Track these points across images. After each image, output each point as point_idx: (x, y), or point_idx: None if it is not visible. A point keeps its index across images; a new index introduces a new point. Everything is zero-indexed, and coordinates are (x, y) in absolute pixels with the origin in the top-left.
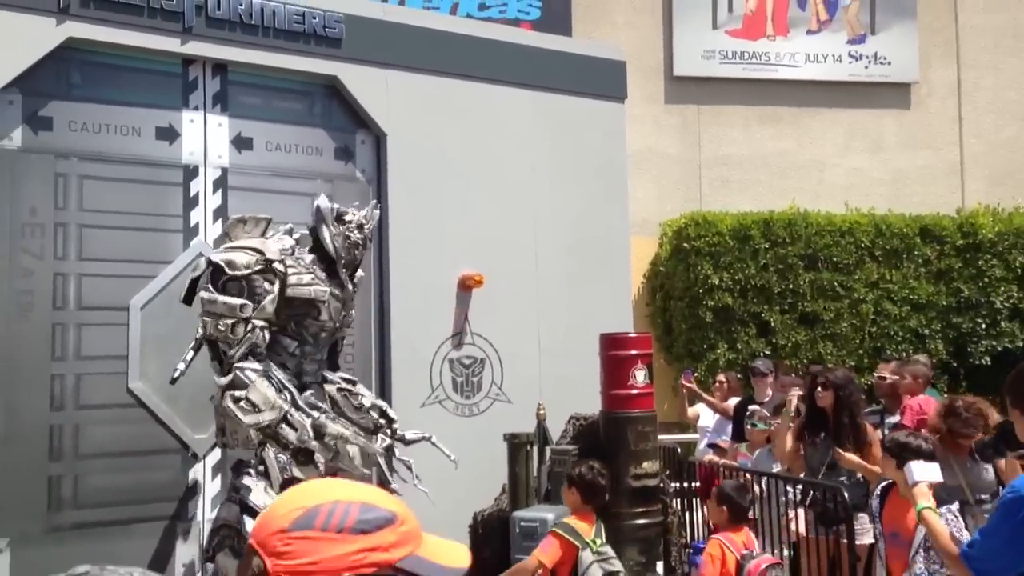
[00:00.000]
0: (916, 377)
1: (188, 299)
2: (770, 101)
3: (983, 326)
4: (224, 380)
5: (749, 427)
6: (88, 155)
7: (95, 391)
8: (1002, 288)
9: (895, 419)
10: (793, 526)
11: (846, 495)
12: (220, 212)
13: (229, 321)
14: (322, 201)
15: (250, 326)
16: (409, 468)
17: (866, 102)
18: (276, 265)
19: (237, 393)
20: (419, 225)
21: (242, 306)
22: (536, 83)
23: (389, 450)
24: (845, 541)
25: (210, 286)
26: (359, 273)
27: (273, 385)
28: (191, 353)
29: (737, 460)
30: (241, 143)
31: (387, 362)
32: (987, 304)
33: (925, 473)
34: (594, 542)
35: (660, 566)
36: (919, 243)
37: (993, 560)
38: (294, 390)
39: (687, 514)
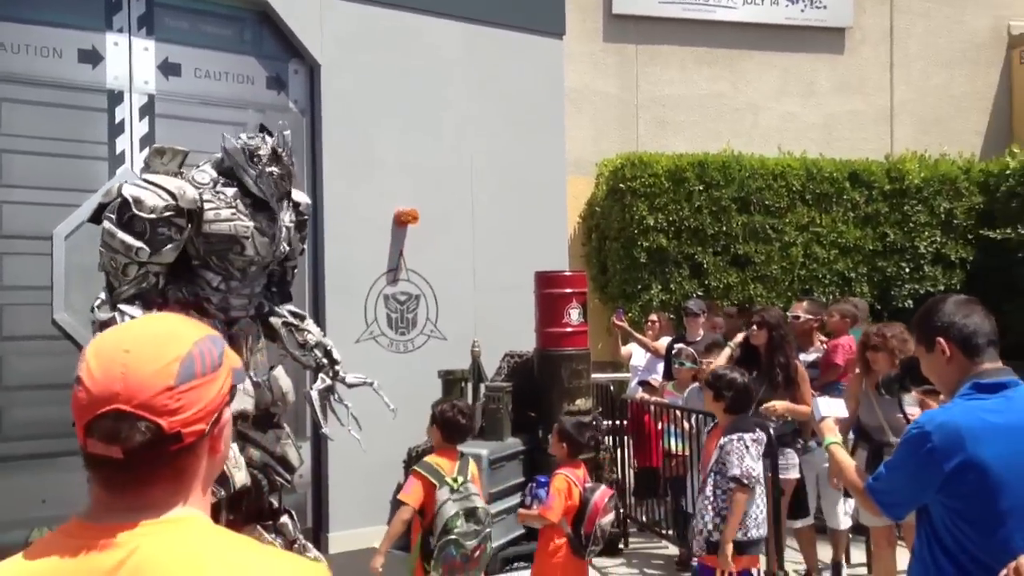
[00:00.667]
0: (843, 316)
1: (95, 220)
2: (707, 43)
3: (907, 270)
4: (103, 316)
5: (676, 366)
6: (6, 77)
7: (18, 322)
8: (926, 233)
9: (810, 357)
10: None
11: (771, 431)
12: (147, 140)
13: (123, 260)
14: (228, 143)
15: (143, 270)
16: (348, 409)
17: (801, 46)
18: (189, 208)
19: None
20: (353, 158)
21: (138, 250)
22: (474, 16)
23: (328, 391)
24: (770, 475)
25: (114, 217)
26: (304, 200)
27: None
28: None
29: (665, 398)
30: (168, 69)
31: (320, 297)
32: (911, 249)
33: (831, 408)
34: (455, 480)
35: None
36: (848, 188)
37: (897, 493)
38: None
39: (619, 451)
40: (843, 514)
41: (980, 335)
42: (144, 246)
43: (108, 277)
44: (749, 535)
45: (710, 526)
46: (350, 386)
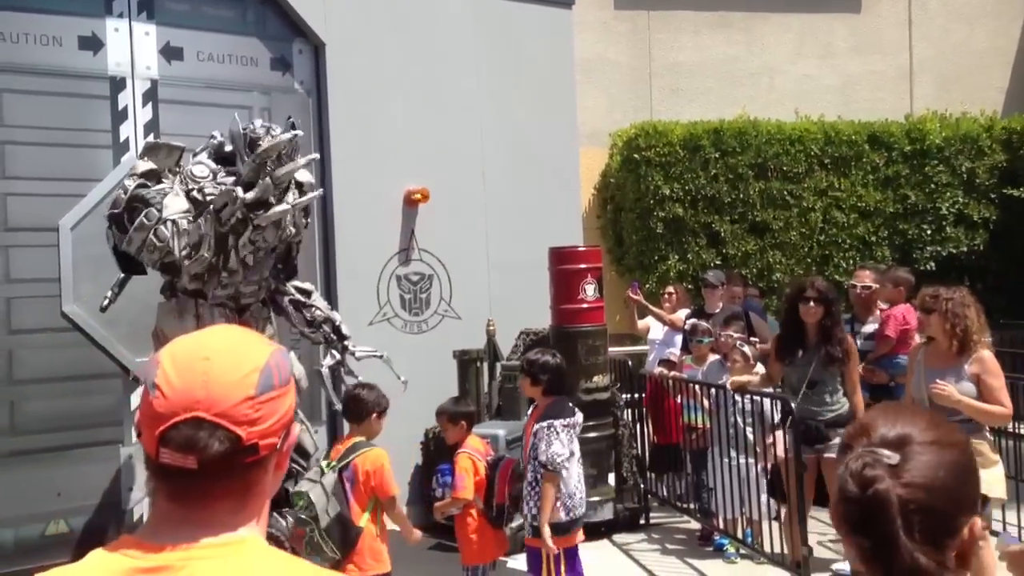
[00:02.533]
0: (897, 285)
1: (126, 268)
2: (721, 6)
3: (928, 232)
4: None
5: (694, 343)
6: (7, 67)
7: (27, 315)
8: (948, 194)
9: (869, 328)
10: (780, 451)
11: (792, 405)
12: (151, 127)
13: (151, 237)
14: (234, 125)
15: (169, 223)
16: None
17: (817, 6)
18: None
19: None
20: (361, 138)
21: (146, 214)
22: None
23: (339, 366)
24: (781, 455)
25: (119, 233)
26: (307, 180)
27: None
28: (119, 281)
29: (684, 372)
30: (170, 53)
31: (332, 280)
32: (933, 210)
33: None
34: (329, 465)
35: (611, 477)
36: (867, 150)
37: None
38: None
39: (638, 426)
40: None
41: None
42: (149, 209)
43: (172, 268)
44: (573, 514)
45: (534, 511)
46: (360, 359)
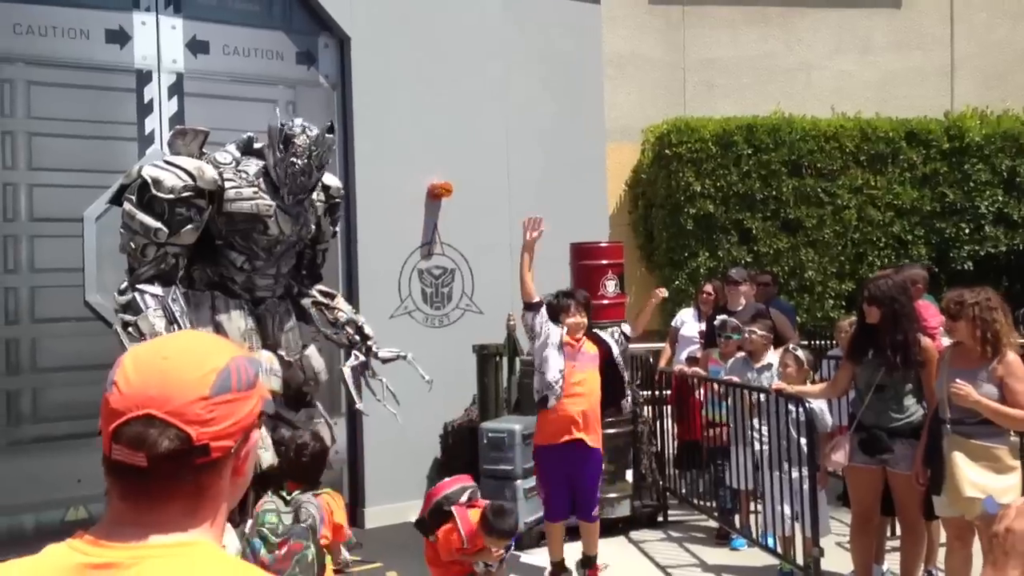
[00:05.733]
0: (915, 283)
1: (116, 201)
2: (757, 1)
3: (966, 231)
4: (122, 299)
5: (723, 340)
6: (35, 59)
7: (51, 304)
8: (987, 192)
9: None
10: (835, 456)
11: (824, 408)
12: (176, 119)
13: (142, 241)
14: (272, 120)
15: (162, 251)
16: (384, 384)
17: (855, 1)
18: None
19: (127, 317)
20: (385, 132)
21: (157, 231)
22: None
23: (363, 367)
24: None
25: (134, 198)
26: (335, 184)
27: (166, 316)
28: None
29: (708, 367)
30: (196, 47)
31: (354, 273)
32: (971, 209)
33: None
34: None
35: (629, 474)
36: (905, 147)
37: None
38: (187, 324)
39: (658, 423)
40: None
41: None
42: (163, 227)
43: (128, 259)
44: None
45: None
46: (384, 361)
